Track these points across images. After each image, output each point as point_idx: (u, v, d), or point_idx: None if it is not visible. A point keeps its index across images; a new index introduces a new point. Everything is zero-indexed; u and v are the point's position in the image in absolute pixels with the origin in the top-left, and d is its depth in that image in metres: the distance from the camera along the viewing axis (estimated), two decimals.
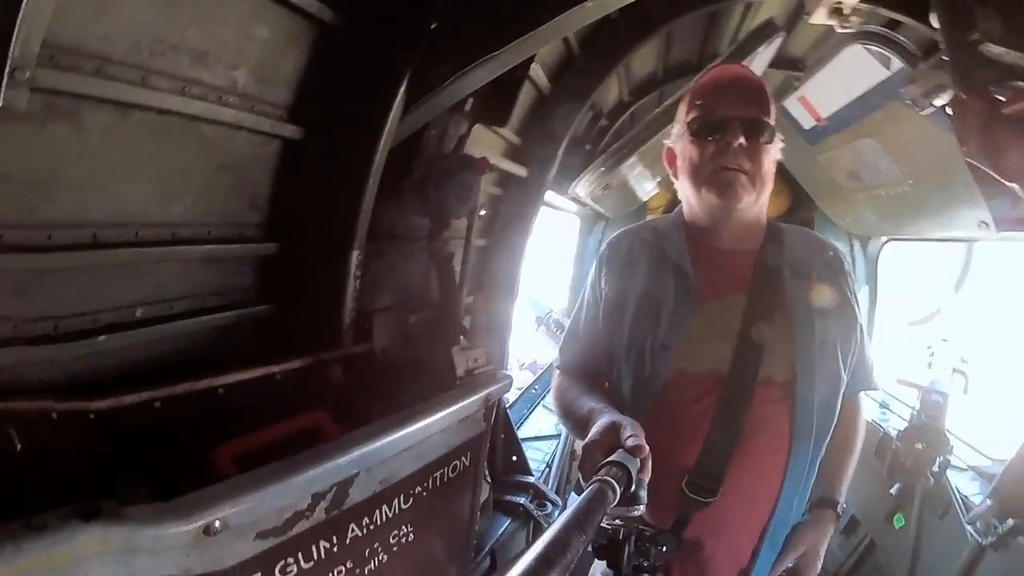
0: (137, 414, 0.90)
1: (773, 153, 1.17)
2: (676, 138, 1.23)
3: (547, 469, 2.59)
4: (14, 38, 0.63)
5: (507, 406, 2.55)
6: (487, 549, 1.80)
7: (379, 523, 1.01)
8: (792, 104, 2.26)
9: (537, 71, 1.89)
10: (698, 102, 1.17)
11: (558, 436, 2.77)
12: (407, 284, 1.65)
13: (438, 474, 1.15)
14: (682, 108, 1.23)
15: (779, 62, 2.34)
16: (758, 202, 1.19)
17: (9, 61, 0.65)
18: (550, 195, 2.45)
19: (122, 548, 0.62)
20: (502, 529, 1.93)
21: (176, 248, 1.01)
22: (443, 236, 1.64)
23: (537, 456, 2.65)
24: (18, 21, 0.63)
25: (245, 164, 1.09)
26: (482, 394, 1.17)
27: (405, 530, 1.09)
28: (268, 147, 1.13)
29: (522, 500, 2.07)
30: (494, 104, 1.52)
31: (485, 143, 1.85)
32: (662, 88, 2.74)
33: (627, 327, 1.20)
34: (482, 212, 2.00)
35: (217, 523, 0.69)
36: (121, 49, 0.83)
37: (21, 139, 0.77)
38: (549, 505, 2.09)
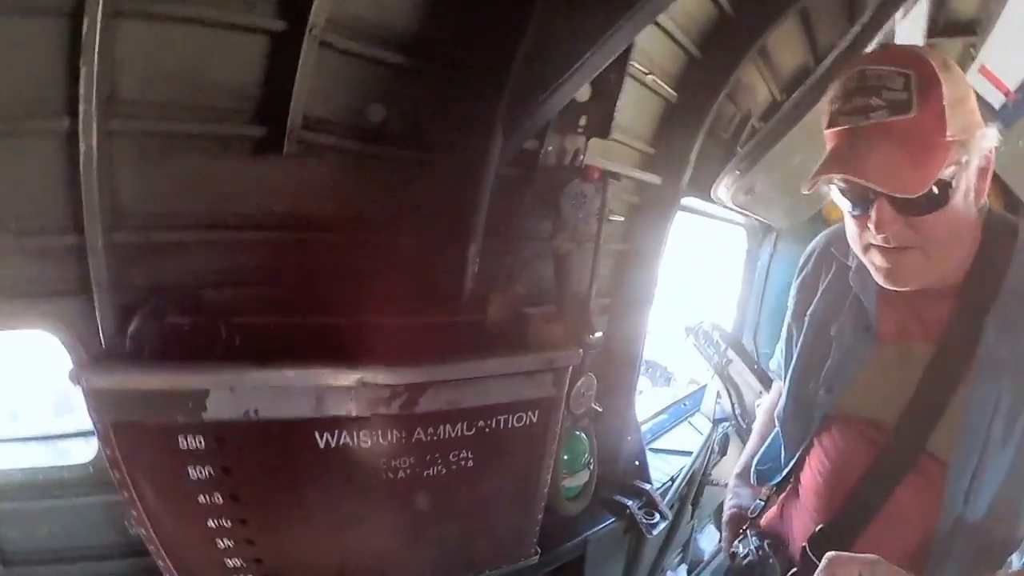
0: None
1: (959, 200, 0.94)
2: None
3: (669, 483, 2.67)
4: None
5: (643, 420, 2.74)
6: (582, 536, 2.06)
7: (441, 437, 1.44)
8: (975, 78, 1.95)
9: (658, 83, 2.13)
10: (831, 146, 0.99)
11: (690, 454, 2.81)
12: (533, 279, 2.05)
13: (502, 418, 1.51)
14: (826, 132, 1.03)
15: (949, 27, 2.04)
16: (947, 260, 0.98)
17: None
18: (703, 204, 2.59)
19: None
20: (603, 524, 2.17)
21: None
22: (561, 237, 2.02)
23: (666, 468, 2.75)
24: None
25: (405, 178, 1.70)
26: (543, 355, 1.51)
27: (465, 454, 1.50)
28: (415, 168, 1.72)
29: (631, 504, 2.26)
30: (598, 118, 1.86)
31: (618, 155, 2.17)
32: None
33: (797, 351, 1.21)
34: (619, 218, 2.28)
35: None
36: None
37: None
38: (657, 516, 2.22)
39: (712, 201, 2.64)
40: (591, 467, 2.26)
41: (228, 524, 1.46)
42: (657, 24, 1.94)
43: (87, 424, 1.46)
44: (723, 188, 2.51)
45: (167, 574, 1.52)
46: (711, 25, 2.24)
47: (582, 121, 1.94)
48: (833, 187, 1.02)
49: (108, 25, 1.29)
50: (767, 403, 1.61)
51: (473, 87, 1.70)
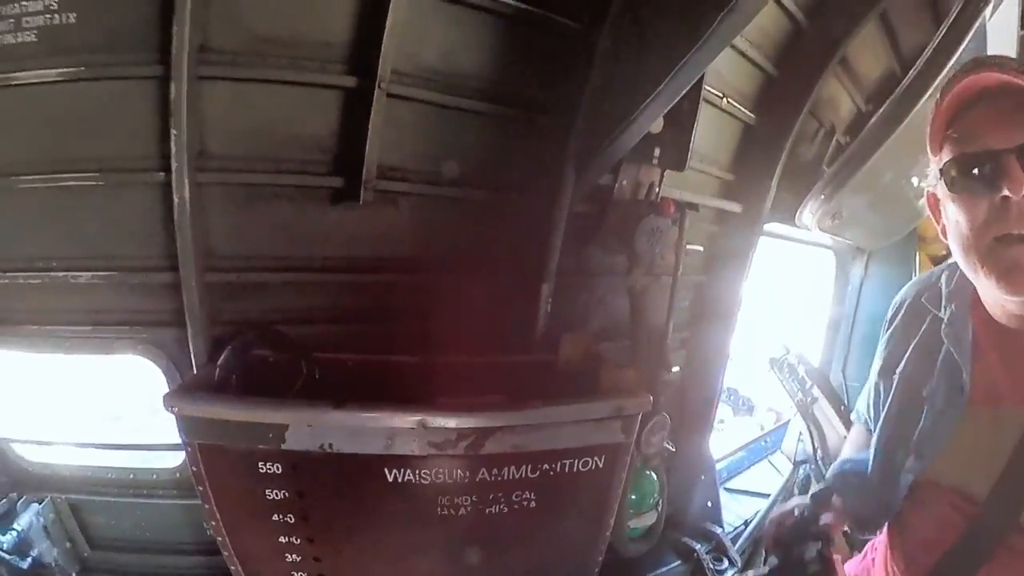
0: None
1: None
2: (933, 180, 0.98)
3: (742, 527, 2.59)
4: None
5: (721, 456, 2.66)
6: None
7: (504, 478, 1.48)
8: None
9: (734, 106, 2.10)
10: (951, 131, 0.91)
11: (767, 496, 2.68)
12: (607, 315, 2.09)
13: (568, 462, 1.52)
14: (930, 137, 0.96)
15: None
16: None
17: None
18: (787, 229, 2.49)
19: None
20: (668, 566, 2.14)
21: None
22: (636, 273, 2.03)
23: (740, 510, 2.66)
24: None
25: (475, 219, 1.79)
26: (612, 401, 1.52)
27: (527, 496, 1.53)
28: (486, 209, 1.79)
29: (699, 548, 2.21)
30: (673, 149, 1.85)
31: (694, 184, 2.15)
32: None
33: (886, 414, 1.16)
34: (698, 248, 2.27)
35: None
36: None
37: None
38: (726, 562, 2.15)
39: (797, 226, 2.55)
40: (659, 508, 2.23)
41: (297, 541, 1.59)
42: (731, 45, 1.89)
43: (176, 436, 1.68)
44: (808, 214, 2.41)
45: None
46: (786, 40, 2.18)
47: (656, 152, 1.93)
48: (940, 183, 0.93)
49: (194, 88, 1.48)
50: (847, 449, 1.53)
51: (543, 127, 1.76)
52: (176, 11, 1.41)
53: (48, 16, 1.52)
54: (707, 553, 2.34)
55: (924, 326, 1.12)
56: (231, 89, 1.54)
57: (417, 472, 1.45)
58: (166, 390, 1.76)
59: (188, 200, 1.52)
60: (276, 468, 1.47)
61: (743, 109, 2.20)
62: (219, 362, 1.55)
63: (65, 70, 1.54)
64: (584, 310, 1.97)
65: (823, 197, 2.26)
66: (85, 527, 2.11)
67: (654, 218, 1.90)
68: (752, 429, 3.67)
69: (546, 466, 1.53)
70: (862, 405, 1.41)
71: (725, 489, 2.75)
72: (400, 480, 1.47)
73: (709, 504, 2.61)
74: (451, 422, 1.39)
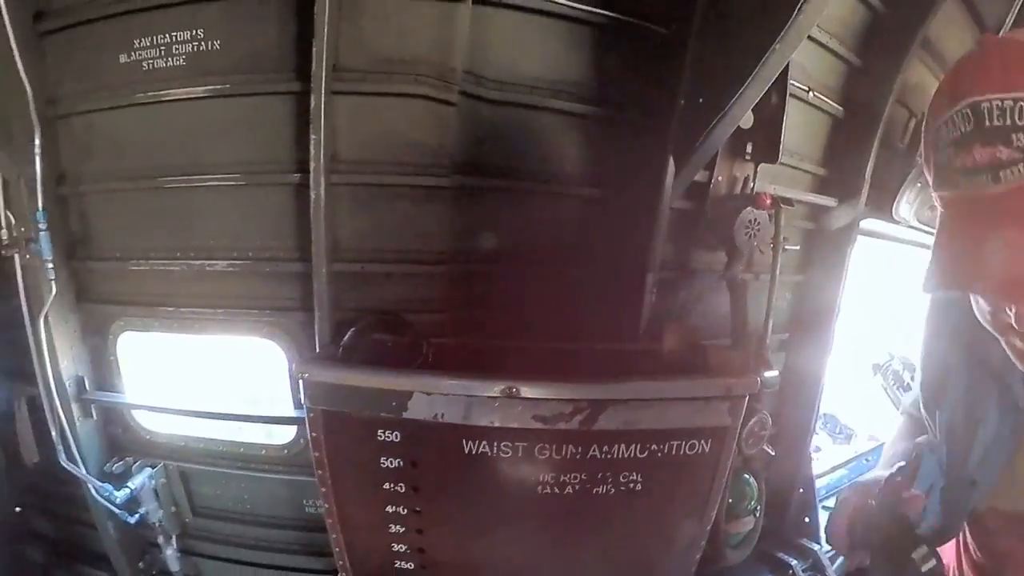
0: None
1: None
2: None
3: None
4: None
5: (820, 473, 2.63)
6: None
7: (615, 457, 1.57)
8: None
9: (821, 99, 2.19)
10: (949, 223, 0.80)
11: None
12: (706, 312, 2.17)
13: (675, 443, 1.60)
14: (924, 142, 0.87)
15: None
16: None
17: None
18: (885, 226, 2.52)
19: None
20: None
21: None
22: (735, 268, 2.11)
23: None
24: None
25: (577, 216, 1.97)
26: (721, 380, 1.60)
27: (634, 477, 1.61)
28: (587, 206, 1.97)
29: (795, 564, 2.19)
30: (764, 143, 1.97)
31: (787, 181, 2.24)
32: None
33: (938, 428, 1.14)
34: (794, 248, 2.32)
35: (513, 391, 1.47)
36: None
37: None
38: None
39: (894, 221, 2.56)
40: (757, 515, 2.25)
41: (404, 511, 1.74)
42: (810, 37, 2.00)
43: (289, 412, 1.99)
44: (905, 204, 2.42)
45: (336, 547, 1.84)
46: (865, 27, 2.26)
47: (748, 148, 2.07)
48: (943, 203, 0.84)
49: (328, 101, 1.76)
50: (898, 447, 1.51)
51: (641, 126, 1.93)
52: (315, 36, 1.70)
53: (195, 44, 1.89)
54: (803, 571, 2.32)
55: (978, 336, 0.94)
56: (359, 102, 1.82)
57: (529, 448, 1.58)
58: (288, 369, 2.02)
59: (323, 197, 1.77)
60: (395, 436, 1.63)
61: (830, 102, 2.28)
62: (342, 343, 1.76)
63: (212, 87, 1.88)
64: (683, 307, 2.07)
65: (919, 185, 2.27)
66: (191, 494, 2.39)
67: (751, 211, 2.00)
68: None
69: (654, 446, 1.62)
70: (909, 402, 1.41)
71: (824, 508, 2.71)
72: (509, 455, 1.60)
73: (807, 520, 2.58)
74: (565, 392, 1.51)
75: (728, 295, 2.14)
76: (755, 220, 2.03)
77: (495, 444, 1.58)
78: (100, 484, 2.21)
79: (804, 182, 2.35)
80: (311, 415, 1.67)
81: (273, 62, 1.83)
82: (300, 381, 1.63)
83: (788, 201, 2.13)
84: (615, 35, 1.88)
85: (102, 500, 2.23)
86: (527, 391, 1.50)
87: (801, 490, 2.52)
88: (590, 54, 1.89)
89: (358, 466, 1.71)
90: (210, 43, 1.86)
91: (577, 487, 1.64)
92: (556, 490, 1.64)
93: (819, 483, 2.78)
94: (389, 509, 1.75)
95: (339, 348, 1.75)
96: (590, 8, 1.83)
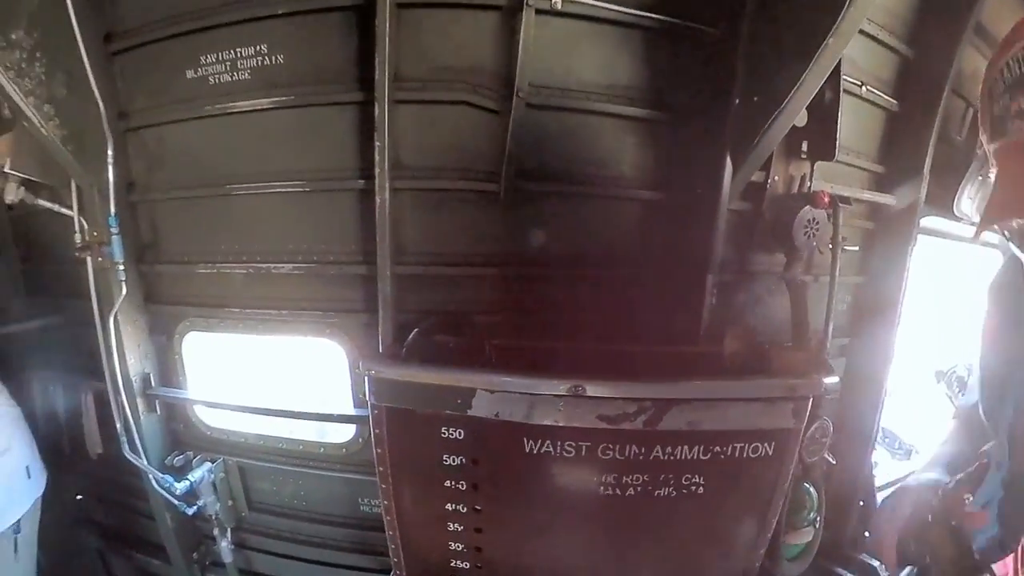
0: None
1: None
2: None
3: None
4: None
5: (879, 487, 2.61)
6: None
7: (677, 458, 1.62)
8: None
9: (874, 93, 2.21)
10: (1009, 168, 0.84)
11: None
12: (765, 315, 2.21)
13: (738, 445, 1.65)
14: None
15: None
16: None
17: None
18: (946, 225, 2.51)
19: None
20: None
21: None
22: (795, 269, 2.13)
23: None
24: None
25: (634, 219, 2.03)
26: (785, 381, 1.63)
27: (696, 479, 1.66)
28: (644, 209, 2.03)
29: None
30: (820, 140, 1.99)
31: (844, 178, 2.26)
32: None
33: (1002, 432, 1.20)
34: (853, 248, 2.32)
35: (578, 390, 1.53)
36: None
37: None
38: None
39: (956, 218, 2.53)
40: (817, 526, 2.25)
41: (464, 509, 1.83)
42: (860, 30, 2.01)
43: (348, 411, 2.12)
44: (966, 199, 2.37)
45: (392, 544, 1.93)
46: (914, 16, 2.25)
47: (804, 146, 2.10)
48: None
49: (393, 109, 1.87)
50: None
51: (697, 127, 1.97)
52: (377, 47, 1.82)
53: (259, 58, 2.03)
54: None
55: None
56: (420, 111, 1.93)
57: (591, 447, 1.65)
58: (348, 369, 2.13)
59: (387, 202, 1.89)
60: (458, 433, 1.73)
61: (884, 95, 2.29)
62: (405, 343, 1.86)
63: (277, 99, 2.01)
64: (741, 310, 2.11)
65: (981, 178, 2.22)
66: (248, 489, 2.54)
67: (810, 209, 2.03)
68: None
69: (717, 448, 1.67)
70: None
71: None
72: (572, 455, 1.67)
73: (867, 535, 2.56)
74: (630, 391, 1.57)
75: (786, 297, 2.16)
76: (814, 220, 2.06)
77: (558, 444, 1.65)
78: (161, 476, 2.36)
79: (861, 180, 2.36)
80: (375, 412, 1.77)
81: (335, 74, 1.96)
82: (366, 378, 1.74)
83: (846, 200, 2.14)
84: (666, 38, 1.95)
85: (162, 491, 2.38)
86: (593, 390, 1.56)
87: (861, 502, 2.51)
88: (643, 58, 1.95)
89: (420, 463, 1.81)
90: (274, 57, 2.00)
91: (639, 488, 1.70)
92: (618, 491, 1.70)
93: (880, 497, 2.75)
94: (449, 507, 1.85)
95: (403, 348, 1.85)
96: (641, 12, 1.89)
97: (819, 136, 2.05)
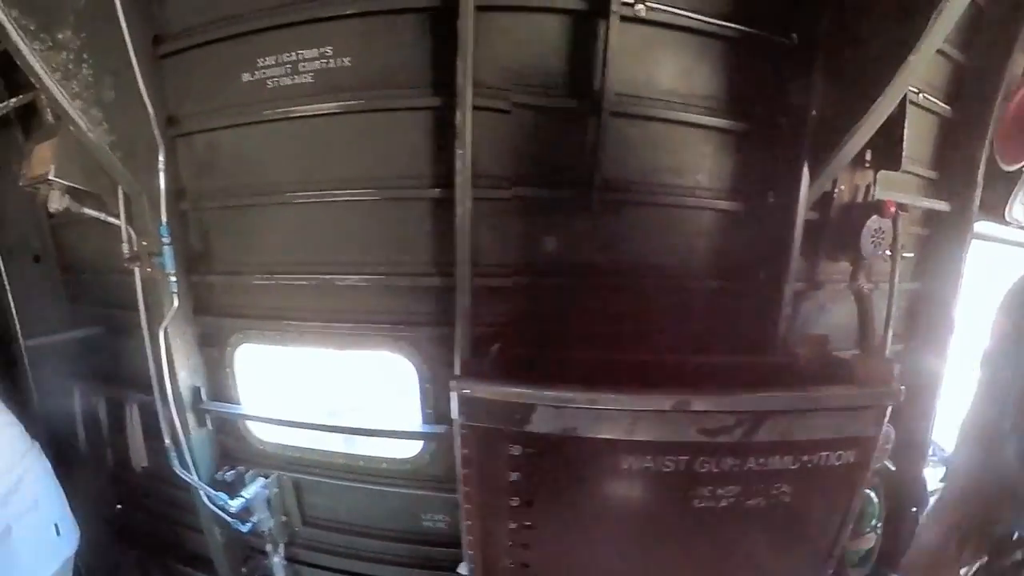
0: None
1: None
2: None
3: None
4: None
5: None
6: None
7: (770, 468, 1.64)
8: None
9: (929, 100, 2.26)
10: None
11: None
12: (829, 323, 2.25)
13: (824, 454, 1.67)
14: None
15: None
16: None
17: None
18: (1000, 230, 2.57)
19: None
20: None
21: None
22: (861, 276, 2.20)
23: None
24: None
25: (711, 228, 2.04)
26: (871, 390, 1.67)
27: (785, 488, 1.68)
28: (721, 218, 2.05)
29: None
30: (885, 149, 2.04)
31: (900, 185, 2.31)
32: None
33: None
34: (909, 255, 2.39)
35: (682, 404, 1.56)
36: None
37: None
38: None
39: (1007, 223, 2.61)
40: (878, 532, 2.30)
41: (514, 526, 1.82)
42: None
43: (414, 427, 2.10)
44: (1018, 206, 2.47)
45: (471, 563, 1.92)
46: (967, 22, 2.30)
47: (868, 155, 2.14)
48: None
49: (474, 116, 1.85)
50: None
51: (774, 137, 2.01)
52: (459, 53, 1.80)
53: (323, 61, 1.99)
54: None
55: None
56: (497, 116, 1.91)
57: (688, 461, 1.66)
58: (418, 384, 2.11)
59: (468, 212, 1.87)
60: (518, 450, 1.71)
61: (938, 102, 2.35)
62: (489, 356, 1.84)
63: (345, 103, 1.97)
64: (807, 318, 2.15)
65: None
66: (302, 504, 2.51)
67: (877, 219, 2.08)
68: None
69: (805, 457, 1.69)
70: None
71: None
72: (669, 468, 1.68)
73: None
74: (732, 405, 1.59)
75: (846, 305, 2.21)
76: (880, 229, 2.11)
77: (659, 458, 1.66)
78: (215, 493, 2.32)
79: (916, 186, 2.42)
80: (464, 431, 1.75)
81: (408, 78, 1.92)
82: (455, 396, 1.71)
83: (903, 207, 2.20)
84: (743, 48, 1.97)
85: (215, 508, 2.34)
86: (697, 404, 1.58)
87: (914, 509, 2.56)
88: (721, 67, 1.98)
89: (492, 480, 1.80)
90: (339, 60, 1.96)
91: (731, 500, 1.72)
92: (711, 503, 1.72)
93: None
94: (512, 525, 1.84)
95: (483, 362, 1.83)
96: (721, 22, 1.92)
97: (884, 146, 2.10)
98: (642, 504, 1.77)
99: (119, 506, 2.98)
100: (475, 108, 1.85)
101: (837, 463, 1.76)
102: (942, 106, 2.38)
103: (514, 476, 1.76)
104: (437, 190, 1.94)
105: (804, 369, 1.90)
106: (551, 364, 1.86)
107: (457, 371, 1.94)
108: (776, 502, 1.76)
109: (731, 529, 1.79)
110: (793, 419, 1.65)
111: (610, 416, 1.63)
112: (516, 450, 1.73)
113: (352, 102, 1.97)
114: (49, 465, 2.28)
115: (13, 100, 2.44)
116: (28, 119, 2.56)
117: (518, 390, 1.65)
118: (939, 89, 2.38)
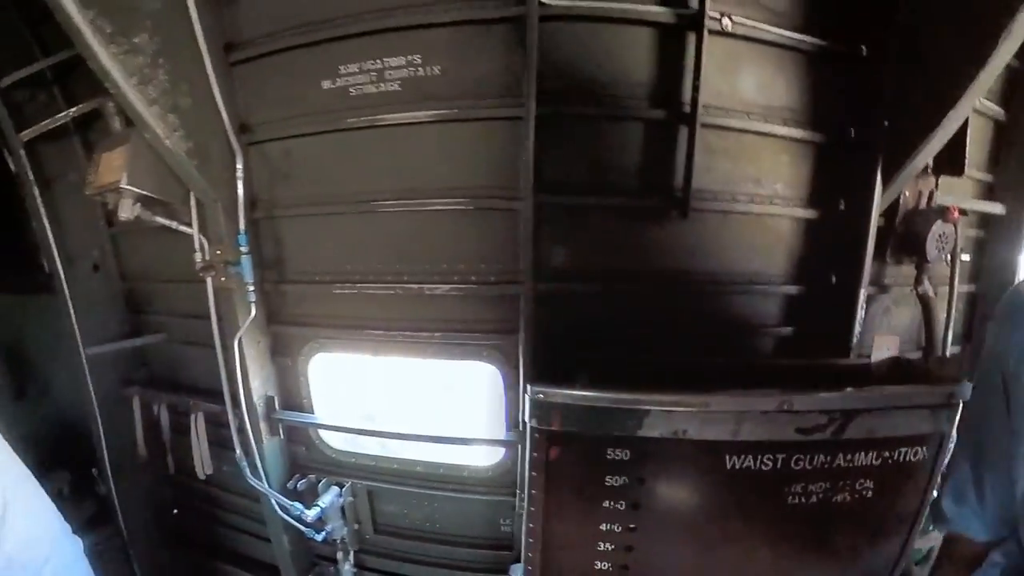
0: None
1: None
2: None
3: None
4: None
5: None
6: None
7: (855, 464, 1.77)
8: None
9: (984, 104, 2.40)
10: None
11: None
12: (893, 323, 2.39)
13: (904, 449, 1.80)
14: None
15: None
16: None
17: None
18: None
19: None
20: None
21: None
22: (924, 281, 2.31)
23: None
24: None
25: (787, 235, 2.15)
26: (948, 388, 1.77)
27: (867, 484, 1.81)
28: (797, 225, 2.16)
29: None
30: (948, 156, 2.17)
31: (957, 189, 2.44)
32: None
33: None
34: (966, 257, 2.52)
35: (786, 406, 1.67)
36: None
37: None
38: None
39: None
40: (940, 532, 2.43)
41: (618, 529, 1.92)
42: None
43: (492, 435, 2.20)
44: None
45: (529, 565, 2.01)
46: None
47: (929, 162, 2.26)
48: None
49: (538, 127, 1.93)
50: None
51: (846, 147, 2.12)
52: (526, 62, 1.88)
53: (412, 69, 2.03)
54: None
55: None
56: (560, 129, 1.98)
57: (784, 458, 1.77)
58: (504, 391, 2.18)
59: (531, 221, 1.98)
60: (624, 455, 1.82)
61: (993, 105, 2.49)
62: (574, 363, 1.93)
63: (437, 112, 2.02)
64: (873, 319, 2.27)
65: None
66: (375, 512, 2.58)
67: (941, 224, 2.21)
68: None
69: (887, 452, 1.82)
70: None
71: None
72: (768, 467, 1.79)
73: None
74: (830, 404, 1.70)
75: (908, 307, 2.34)
76: (944, 233, 2.23)
77: (759, 457, 1.76)
78: (290, 503, 2.38)
79: (972, 189, 2.56)
80: (536, 435, 1.83)
81: (500, 86, 1.98)
82: (527, 400, 1.80)
83: (964, 211, 2.33)
84: (817, 60, 2.08)
85: (288, 518, 2.39)
86: (799, 404, 1.69)
87: None
88: (797, 79, 2.09)
89: (578, 484, 1.90)
90: (429, 68, 2.01)
91: (820, 495, 1.84)
92: (802, 499, 1.84)
93: None
94: (603, 527, 1.94)
95: (562, 367, 1.91)
96: (796, 35, 2.03)
97: (947, 153, 2.22)
98: (740, 501, 1.87)
99: (175, 511, 3.02)
100: (558, 116, 1.94)
101: (914, 459, 1.88)
102: (996, 109, 2.53)
103: (615, 480, 1.87)
104: (519, 200, 2.01)
105: (879, 370, 2.01)
106: (644, 369, 1.94)
107: (523, 375, 2.06)
108: (860, 497, 1.88)
109: (819, 524, 1.91)
110: (877, 417, 1.77)
111: (718, 418, 1.73)
112: (621, 454, 1.83)
113: (444, 111, 2.02)
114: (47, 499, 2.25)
115: (74, 109, 2.44)
116: (86, 128, 2.57)
117: (631, 396, 1.74)
118: (994, 92, 2.52)
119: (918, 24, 2.03)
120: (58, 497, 2.80)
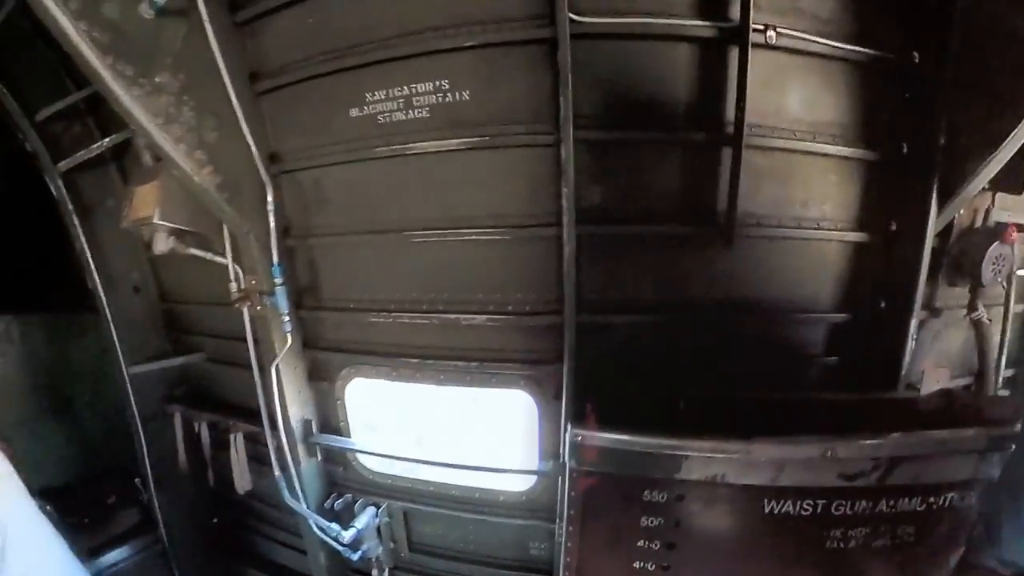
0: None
1: None
2: None
3: None
4: None
5: None
6: None
7: (898, 510, 1.76)
8: None
9: None
10: None
11: None
12: (943, 348, 2.33)
13: (950, 495, 1.78)
14: None
15: None
16: None
17: None
18: None
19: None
20: None
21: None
22: (978, 307, 2.26)
23: None
24: None
25: (835, 259, 2.11)
26: (999, 432, 1.74)
27: (909, 530, 1.81)
28: (845, 249, 2.11)
29: None
30: (1006, 171, 2.04)
31: (1014, 205, 2.34)
32: None
33: None
34: (1021, 272, 2.42)
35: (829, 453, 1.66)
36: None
37: None
38: None
39: None
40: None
41: (652, 567, 1.95)
42: None
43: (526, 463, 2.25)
44: None
45: None
46: None
47: None
48: None
49: (577, 150, 1.90)
50: None
51: (900, 168, 2.06)
52: (561, 86, 1.84)
53: (440, 95, 2.02)
54: None
55: None
56: (599, 149, 1.96)
57: (825, 504, 1.77)
58: (538, 421, 2.22)
59: (574, 252, 1.96)
60: (661, 497, 1.84)
61: None
62: (609, 402, 1.94)
63: (468, 139, 2.01)
64: (923, 345, 2.22)
65: None
66: (410, 532, 2.67)
67: (999, 245, 2.13)
68: None
69: (932, 498, 1.81)
70: None
71: None
72: (807, 512, 1.79)
73: None
74: (874, 451, 1.69)
75: (959, 331, 2.28)
76: (1001, 255, 2.16)
77: (798, 502, 1.77)
78: (327, 524, 2.48)
79: (1021, 203, 2.44)
80: (574, 474, 1.87)
81: (531, 111, 1.95)
82: (568, 442, 1.83)
83: (1021, 227, 2.23)
84: (867, 73, 2.01)
85: (328, 539, 2.49)
86: (842, 451, 1.68)
87: None
88: (846, 93, 2.02)
89: (613, 523, 1.93)
90: (458, 94, 1.99)
91: (860, 541, 1.84)
92: (841, 544, 1.84)
93: None
94: (636, 564, 1.98)
95: (597, 405, 1.92)
96: (844, 45, 1.95)
97: (1004, 169, 2.11)
98: (777, 545, 1.89)
99: (215, 520, 3.19)
100: (595, 142, 1.92)
101: (960, 504, 1.86)
102: None
103: (651, 520, 1.90)
104: (552, 228, 2.00)
105: (928, 407, 1.97)
106: (684, 402, 1.95)
107: (564, 414, 2.08)
108: (901, 543, 1.87)
109: (856, 570, 1.90)
110: (925, 463, 1.75)
111: (759, 463, 1.73)
112: (658, 496, 1.86)
113: (476, 139, 2.01)
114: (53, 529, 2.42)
115: (107, 140, 2.52)
116: (121, 155, 2.66)
117: (671, 441, 1.76)
118: None
119: (979, 29, 1.93)
120: (105, 506, 3.00)
